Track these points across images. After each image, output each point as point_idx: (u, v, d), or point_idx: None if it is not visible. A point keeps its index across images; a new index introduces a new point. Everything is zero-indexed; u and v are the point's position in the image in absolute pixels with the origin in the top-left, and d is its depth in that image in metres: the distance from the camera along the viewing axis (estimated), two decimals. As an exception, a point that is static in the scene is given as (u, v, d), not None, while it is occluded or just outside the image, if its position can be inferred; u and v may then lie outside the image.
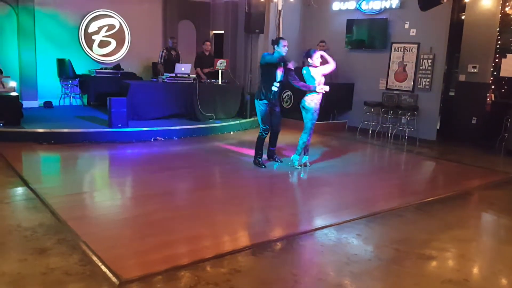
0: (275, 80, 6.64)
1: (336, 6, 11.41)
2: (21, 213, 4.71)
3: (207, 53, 10.89)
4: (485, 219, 5.61)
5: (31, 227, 4.20)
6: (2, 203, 4.91)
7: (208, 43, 11.00)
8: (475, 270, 4.01)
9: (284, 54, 6.59)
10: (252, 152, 7.08)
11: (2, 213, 4.63)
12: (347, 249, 4.15)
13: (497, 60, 9.35)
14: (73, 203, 5.06)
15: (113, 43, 12.01)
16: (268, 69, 6.63)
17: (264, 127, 6.82)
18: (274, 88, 6.65)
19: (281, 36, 11.74)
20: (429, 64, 9.77)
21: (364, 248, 4.17)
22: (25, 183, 5.54)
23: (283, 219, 4.97)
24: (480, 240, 4.78)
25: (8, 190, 5.43)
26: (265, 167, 6.87)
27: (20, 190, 5.41)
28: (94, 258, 3.63)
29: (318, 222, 4.92)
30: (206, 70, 10.69)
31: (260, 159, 6.93)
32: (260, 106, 6.73)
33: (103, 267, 3.49)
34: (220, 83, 10.34)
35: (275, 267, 3.76)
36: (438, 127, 10.11)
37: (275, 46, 6.65)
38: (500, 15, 9.19)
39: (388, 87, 10.52)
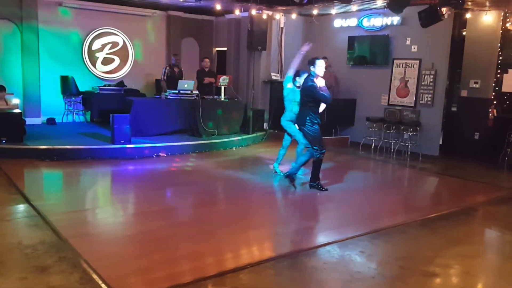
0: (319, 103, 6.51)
1: (337, 23, 11.50)
2: (22, 230, 4.69)
3: (206, 69, 10.99)
4: (489, 235, 5.56)
5: (32, 245, 4.18)
6: (3, 221, 4.90)
7: (207, 59, 11.08)
8: (480, 287, 3.96)
9: (321, 75, 6.41)
10: (254, 167, 7.07)
11: (3, 231, 4.61)
12: (350, 266, 4.10)
13: (498, 75, 9.37)
14: (74, 220, 5.04)
15: (117, 60, 12.11)
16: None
17: (321, 148, 6.49)
18: (321, 109, 6.55)
19: (283, 53, 11.87)
20: (431, 79, 9.79)
21: (368, 265, 4.13)
22: (27, 200, 5.53)
23: (286, 236, 4.94)
24: (484, 256, 4.73)
25: (9, 207, 5.42)
26: (327, 190, 6.58)
27: (21, 207, 5.39)
28: (95, 276, 3.60)
29: (321, 239, 4.88)
30: (207, 81, 10.82)
31: (320, 182, 6.65)
32: (314, 131, 6.43)
33: (103, 286, 3.47)
34: (222, 99, 10.38)
35: (277, 285, 3.72)
36: (440, 143, 10.08)
37: (311, 67, 6.39)
38: (501, 31, 9.24)
39: (390, 102, 10.53)
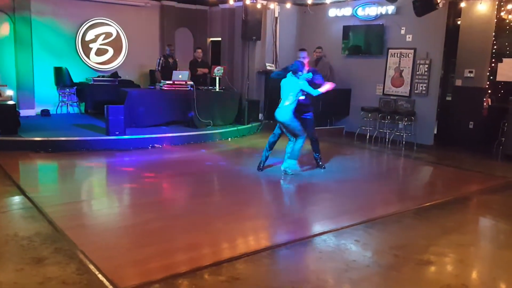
0: None
1: (332, 12, 11.46)
2: (18, 222, 4.69)
3: (199, 60, 10.96)
4: (483, 224, 5.60)
5: (28, 237, 4.18)
6: (-1, 213, 4.90)
7: (199, 50, 11.04)
8: (474, 275, 4.00)
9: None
10: (250, 158, 7.09)
11: (-1, 223, 4.62)
12: (345, 255, 4.13)
13: (493, 64, 9.37)
14: (70, 212, 5.04)
15: (110, 51, 12.02)
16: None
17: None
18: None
19: (278, 42, 11.84)
20: (426, 69, 9.80)
21: (363, 254, 4.16)
22: (22, 192, 5.53)
23: (281, 226, 4.96)
24: (478, 245, 4.77)
25: (5, 199, 5.40)
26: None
27: (17, 199, 5.38)
28: (91, 267, 3.62)
29: (316, 228, 4.91)
30: (200, 72, 10.78)
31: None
32: None
33: (100, 276, 3.48)
34: (217, 90, 10.36)
35: (273, 274, 3.75)
36: (435, 132, 10.12)
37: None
38: (495, 20, 9.23)
39: (385, 92, 10.54)
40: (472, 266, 4.18)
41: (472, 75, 9.61)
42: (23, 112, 9.61)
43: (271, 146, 7.02)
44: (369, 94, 10.76)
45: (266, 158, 7.03)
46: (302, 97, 6.73)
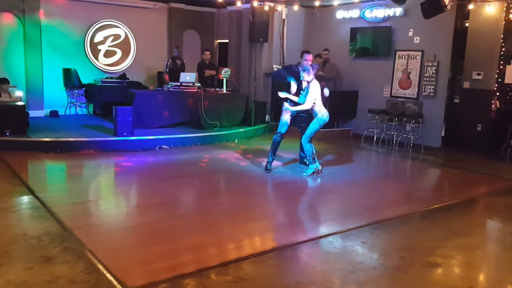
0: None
1: (339, 14, 11.46)
2: (27, 221, 4.74)
3: (207, 62, 11.01)
4: (490, 226, 5.58)
5: (37, 236, 4.23)
6: (8, 212, 4.94)
7: (207, 52, 11.10)
8: (481, 278, 3.99)
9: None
10: (256, 160, 7.11)
11: (8, 222, 4.66)
12: (352, 256, 4.14)
13: (501, 67, 9.33)
14: (78, 211, 5.08)
15: (119, 53, 12.10)
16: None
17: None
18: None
19: (285, 44, 11.85)
20: (433, 71, 9.77)
21: (369, 256, 4.16)
22: (31, 192, 5.58)
23: (288, 227, 4.97)
24: (485, 247, 4.76)
25: (14, 198, 5.46)
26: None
27: (26, 198, 5.44)
28: (100, 266, 3.65)
29: (323, 229, 4.91)
30: (208, 74, 10.84)
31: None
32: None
33: (108, 275, 3.51)
34: (224, 91, 10.39)
35: (280, 275, 3.76)
36: (442, 134, 10.09)
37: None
38: (504, 22, 9.19)
39: (392, 94, 10.53)
40: (479, 268, 4.17)
41: (480, 77, 9.57)
42: (32, 113, 9.69)
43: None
44: (376, 96, 10.74)
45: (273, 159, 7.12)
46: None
